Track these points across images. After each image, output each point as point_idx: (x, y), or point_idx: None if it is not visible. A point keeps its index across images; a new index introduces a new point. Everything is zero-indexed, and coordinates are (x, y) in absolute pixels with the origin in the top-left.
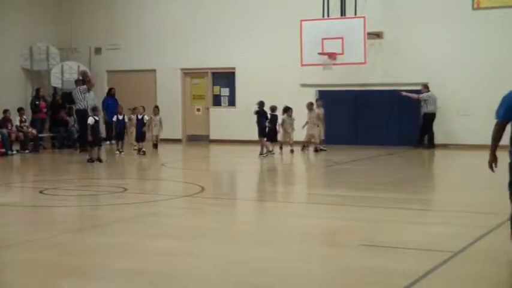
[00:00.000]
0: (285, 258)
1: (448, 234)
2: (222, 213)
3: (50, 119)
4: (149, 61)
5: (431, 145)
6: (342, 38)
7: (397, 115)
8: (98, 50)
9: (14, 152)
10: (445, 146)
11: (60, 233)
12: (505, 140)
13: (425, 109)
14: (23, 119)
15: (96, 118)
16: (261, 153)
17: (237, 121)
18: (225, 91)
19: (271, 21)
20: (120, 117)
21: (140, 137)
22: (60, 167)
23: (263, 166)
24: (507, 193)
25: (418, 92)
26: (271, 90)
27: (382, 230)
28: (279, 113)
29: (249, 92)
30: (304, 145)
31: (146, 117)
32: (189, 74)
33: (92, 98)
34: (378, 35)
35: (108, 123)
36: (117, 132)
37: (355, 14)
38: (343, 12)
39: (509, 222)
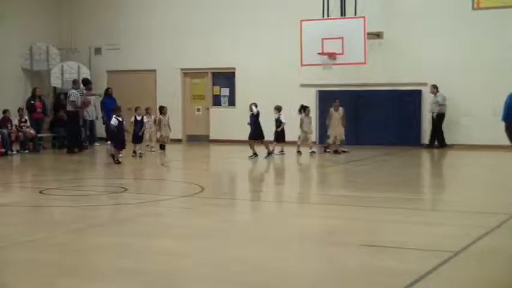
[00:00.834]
0: (284, 258)
1: (448, 234)
2: (222, 213)
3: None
4: (149, 61)
5: (442, 145)
6: (342, 38)
7: (397, 115)
8: (98, 50)
9: (14, 152)
10: (449, 147)
11: (60, 233)
12: (507, 140)
13: (437, 109)
14: (23, 119)
15: (120, 119)
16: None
17: (237, 121)
18: (225, 91)
19: (271, 21)
20: (120, 119)
21: (137, 139)
22: (60, 167)
23: (262, 166)
24: (509, 193)
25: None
26: (271, 90)
27: (382, 230)
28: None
29: (249, 92)
30: (327, 147)
31: (146, 119)
32: (189, 74)
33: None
34: (378, 35)
35: (107, 125)
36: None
37: (355, 14)
38: (343, 12)
39: None
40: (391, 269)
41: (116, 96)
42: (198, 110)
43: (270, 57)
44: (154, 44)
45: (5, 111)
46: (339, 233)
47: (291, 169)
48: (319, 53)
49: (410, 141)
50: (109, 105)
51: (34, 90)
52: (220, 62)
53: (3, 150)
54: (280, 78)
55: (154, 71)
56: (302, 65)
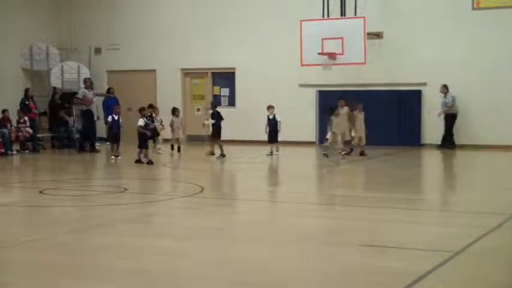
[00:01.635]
0: (284, 258)
1: (448, 234)
2: (222, 213)
3: (49, 118)
4: (149, 61)
5: (452, 145)
6: (342, 38)
7: (397, 115)
8: (98, 50)
9: (14, 152)
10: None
11: (60, 233)
12: (507, 141)
13: (449, 110)
14: (22, 120)
15: (115, 117)
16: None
17: (237, 121)
18: (225, 91)
19: (271, 21)
20: (116, 118)
21: (148, 141)
22: (60, 167)
23: (263, 166)
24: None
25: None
26: (271, 90)
27: (382, 230)
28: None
29: (249, 92)
30: (352, 149)
31: (141, 121)
32: (189, 74)
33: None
34: (378, 35)
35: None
36: (112, 134)
37: (355, 14)
38: (343, 12)
39: None
40: (391, 269)
41: (116, 96)
42: (198, 110)
43: (270, 57)
44: (154, 44)
45: (4, 111)
46: (339, 233)
47: (290, 169)
48: (319, 53)
49: (410, 141)
50: (110, 105)
51: (27, 91)
52: (220, 62)
53: (3, 150)
54: (280, 78)
55: (154, 71)
56: (302, 65)
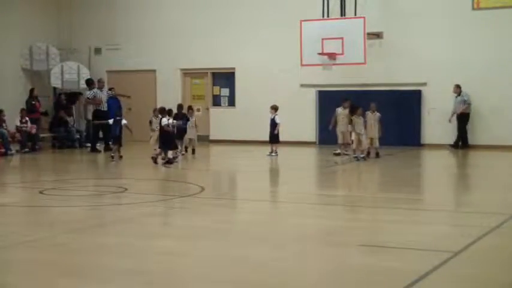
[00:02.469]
0: (284, 258)
1: (448, 234)
2: (222, 213)
3: (53, 118)
4: (149, 61)
5: (465, 145)
6: (341, 38)
7: (397, 115)
8: (97, 50)
9: (13, 152)
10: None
11: (60, 233)
12: (508, 141)
13: (462, 109)
14: (24, 120)
15: (171, 121)
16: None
17: (236, 121)
18: (225, 91)
19: (271, 21)
20: (118, 118)
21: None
22: (60, 167)
23: (263, 166)
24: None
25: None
26: (271, 90)
27: (382, 230)
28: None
29: (249, 92)
30: (369, 152)
31: (164, 120)
32: (189, 74)
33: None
34: (377, 35)
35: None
36: (114, 134)
37: (355, 14)
38: (343, 12)
39: None
40: (391, 269)
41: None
42: (198, 110)
43: (270, 57)
44: (154, 44)
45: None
46: (339, 233)
47: (290, 169)
48: (319, 53)
49: (410, 141)
50: (112, 105)
51: (32, 91)
52: (220, 62)
53: (3, 150)
54: (280, 78)
55: (154, 71)
56: (302, 65)
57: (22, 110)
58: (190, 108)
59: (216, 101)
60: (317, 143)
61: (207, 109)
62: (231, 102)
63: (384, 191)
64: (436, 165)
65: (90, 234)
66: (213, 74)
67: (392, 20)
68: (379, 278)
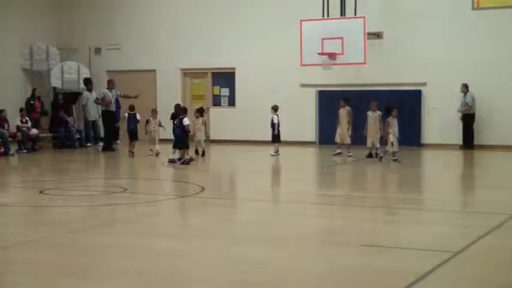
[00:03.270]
0: (284, 258)
1: (448, 234)
2: (222, 213)
3: (51, 118)
4: (149, 61)
5: (470, 145)
6: (341, 38)
7: (397, 115)
8: (98, 50)
9: (13, 152)
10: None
11: (60, 233)
12: (508, 141)
13: (469, 110)
14: (24, 120)
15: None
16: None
17: (236, 121)
18: (225, 91)
19: (271, 21)
20: (132, 113)
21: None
22: (60, 167)
23: (263, 166)
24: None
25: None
26: (271, 90)
27: (382, 230)
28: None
29: (249, 92)
30: (378, 152)
31: (186, 120)
32: (189, 74)
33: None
34: (378, 35)
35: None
36: (129, 130)
37: (355, 14)
38: (343, 12)
39: None
40: (391, 269)
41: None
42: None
43: (270, 57)
44: (154, 44)
45: (0, 111)
46: (339, 233)
47: (290, 169)
48: (319, 53)
49: (411, 141)
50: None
51: (34, 91)
52: (220, 62)
53: (2, 150)
54: (280, 78)
55: (154, 71)
56: (302, 65)
57: (21, 109)
58: (201, 109)
59: (216, 101)
60: (317, 143)
61: (207, 109)
62: (231, 102)
63: (384, 190)
64: (436, 165)
65: (90, 234)
66: (213, 74)
67: (392, 20)
68: (379, 278)
